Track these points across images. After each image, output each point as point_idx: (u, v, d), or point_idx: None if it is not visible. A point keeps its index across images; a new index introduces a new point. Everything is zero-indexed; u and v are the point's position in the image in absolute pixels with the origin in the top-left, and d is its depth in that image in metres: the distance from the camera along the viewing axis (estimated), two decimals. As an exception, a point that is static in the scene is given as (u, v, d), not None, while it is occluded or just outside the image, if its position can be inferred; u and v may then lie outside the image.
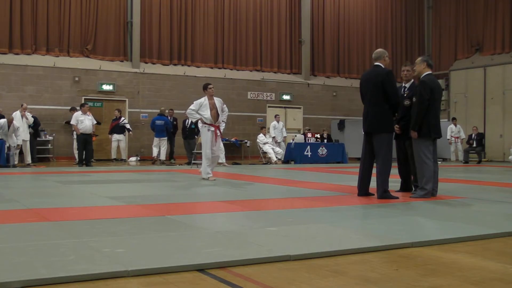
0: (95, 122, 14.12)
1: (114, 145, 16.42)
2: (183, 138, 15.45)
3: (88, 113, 13.87)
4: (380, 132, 6.30)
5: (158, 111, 16.38)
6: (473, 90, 21.78)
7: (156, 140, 15.75)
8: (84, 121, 13.59)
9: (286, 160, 16.66)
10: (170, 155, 16.06)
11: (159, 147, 15.76)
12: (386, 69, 6.45)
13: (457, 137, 18.77)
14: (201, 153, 14.66)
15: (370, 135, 6.44)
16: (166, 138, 15.69)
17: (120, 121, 16.38)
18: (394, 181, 7.02)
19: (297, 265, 3.06)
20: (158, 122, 15.63)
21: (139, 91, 18.47)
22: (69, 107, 16.55)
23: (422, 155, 6.39)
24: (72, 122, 13.91)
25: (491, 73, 21.23)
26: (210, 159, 9.24)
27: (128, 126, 16.50)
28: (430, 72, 6.58)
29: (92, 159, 14.58)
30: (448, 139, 18.84)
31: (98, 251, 3.25)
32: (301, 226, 4.31)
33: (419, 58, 6.77)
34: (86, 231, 3.99)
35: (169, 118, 16.04)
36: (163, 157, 15.69)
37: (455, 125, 19.10)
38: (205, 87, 9.44)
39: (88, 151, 13.80)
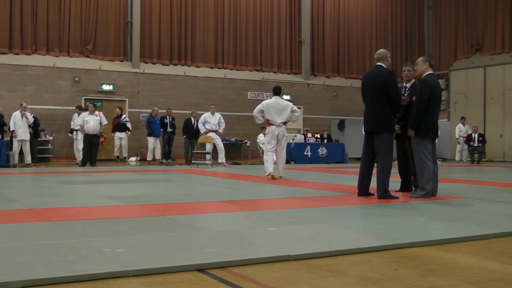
0: (105, 122, 14.09)
1: (117, 143, 16.44)
2: (188, 138, 15.43)
3: (97, 113, 13.85)
4: (381, 132, 6.30)
5: (160, 111, 16.51)
6: (473, 90, 21.79)
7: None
8: (89, 122, 13.59)
9: (286, 160, 16.62)
10: (168, 155, 16.09)
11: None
12: (388, 69, 6.45)
13: (465, 137, 18.75)
14: (201, 153, 14.82)
15: (371, 135, 6.43)
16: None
17: (122, 118, 16.39)
18: (394, 181, 7.02)
19: (297, 265, 3.06)
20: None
21: (139, 91, 18.47)
22: (69, 107, 16.67)
23: (421, 155, 6.39)
24: (79, 122, 14.07)
25: (491, 73, 21.24)
26: None
27: (128, 125, 16.51)
28: (431, 72, 6.59)
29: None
30: (457, 139, 18.86)
31: (98, 251, 3.24)
32: (301, 226, 4.31)
33: (421, 58, 6.77)
34: (86, 231, 3.99)
35: (167, 117, 16.18)
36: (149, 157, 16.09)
37: (464, 125, 19.10)
38: (281, 91, 9.89)
39: (93, 151, 13.75)
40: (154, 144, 15.96)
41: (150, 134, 15.89)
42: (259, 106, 9.73)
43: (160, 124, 15.97)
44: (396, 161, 6.98)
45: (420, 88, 6.48)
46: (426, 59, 6.69)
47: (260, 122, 9.94)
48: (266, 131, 9.86)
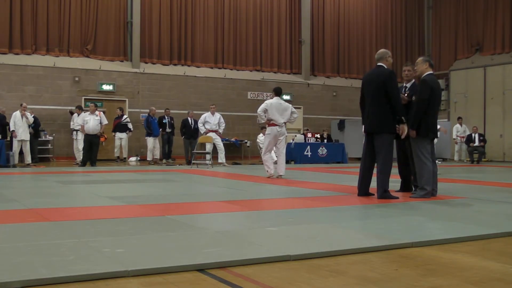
0: (105, 122, 14.08)
1: (117, 143, 16.43)
2: (186, 138, 15.42)
3: (97, 113, 13.85)
4: (381, 132, 6.29)
5: (158, 111, 16.51)
6: (473, 90, 21.79)
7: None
8: (89, 122, 13.60)
9: (286, 160, 16.62)
10: (168, 155, 16.07)
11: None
12: (388, 69, 6.44)
13: (463, 137, 18.75)
14: (201, 153, 14.83)
15: (371, 135, 6.43)
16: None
17: (122, 119, 16.38)
18: (394, 181, 7.02)
19: (297, 265, 3.06)
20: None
21: (139, 91, 18.48)
22: (68, 107, 16.71)
23: (420, 155, 6.38)
24: (79, 122, 14.11)
25: (491, 73, 21.23)
26: None
27: (130, 125, 16.49)
28: (431, 72, 6.58)
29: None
30: (454, 139, 18.85)
31: (98, 251, 3.24)
32: (301, 226, 4.31)
33: (421, 58, 6.77)
34: (86, 231, 3.99)
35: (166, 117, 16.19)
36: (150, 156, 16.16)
37: (461, 125, 19.11)
38: (281, 92, 10.06)
39: (93, 151, 13.75)
40: (153, 144, 15.97)
41: (149, 134, 15.90)
42: (263, 106, 9.74)
43: (158, 124, 15.97)
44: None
45: (420, 88, 6.48)
46: (425, 59, 6.69)
47: (263, 121, 9.96)
48: (268, 131, 9.84)
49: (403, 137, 6.53)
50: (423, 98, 6.34)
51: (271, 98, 10.01)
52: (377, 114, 6.31)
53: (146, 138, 16.13)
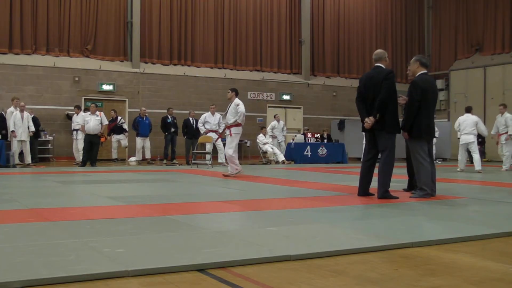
0: (106, 122, 14.07)
1: (115, 145, 16.38)
2: (188, 138, 15.36)
3: (98, 113, 13.86)
4: (382, 130, 6.26)
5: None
6: (473, 90, 21.79)
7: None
8: (89, 122, 13.60)
9: (286, 159, 16.64)
10: (172, 156, 16.02)
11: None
12: (387, 69, 6.45)
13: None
14: (201, 153, 14.83)
15: (372, 134, 6.40)
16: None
17: (118, 121, 16.34)
18: (396, 181, 7.02)
19: (297, 265, 3.06)
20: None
21: (139, 91, 18.47)
22: (69, 107, 16.73)
23: (418, 156, 6.37)
24: (78, 121, 14.17)
25: (491, 73, 21.24)
26: None
27: (125, 126, 16.44)
28: (424, 71, 6.54)
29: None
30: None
31: (98, 251, 3.25)
32: (301, 226, 4.31)
33: (413, 58, 6.75)
34: (86, 231, 3.99)
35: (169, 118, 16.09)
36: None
37: None
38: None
39: (94, 151, 13.74)
40: (142, 144, 15.85)
41: (137, 134, 15.84)
42: (243, 107, 10.37)
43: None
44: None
45: (410, 90, 6.44)
46: (416, 58, 6.65)
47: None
48: (237, 131, 10.33)
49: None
50: (413, 100, 6.31)
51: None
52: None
53: (136, 138, 15.97)
